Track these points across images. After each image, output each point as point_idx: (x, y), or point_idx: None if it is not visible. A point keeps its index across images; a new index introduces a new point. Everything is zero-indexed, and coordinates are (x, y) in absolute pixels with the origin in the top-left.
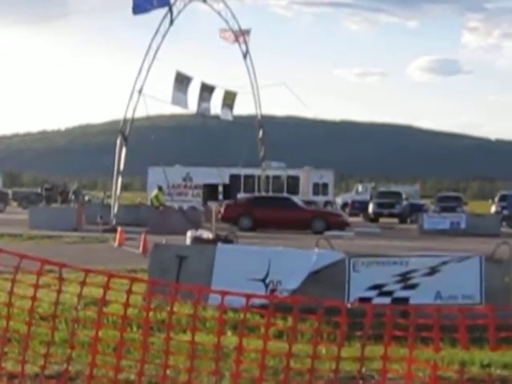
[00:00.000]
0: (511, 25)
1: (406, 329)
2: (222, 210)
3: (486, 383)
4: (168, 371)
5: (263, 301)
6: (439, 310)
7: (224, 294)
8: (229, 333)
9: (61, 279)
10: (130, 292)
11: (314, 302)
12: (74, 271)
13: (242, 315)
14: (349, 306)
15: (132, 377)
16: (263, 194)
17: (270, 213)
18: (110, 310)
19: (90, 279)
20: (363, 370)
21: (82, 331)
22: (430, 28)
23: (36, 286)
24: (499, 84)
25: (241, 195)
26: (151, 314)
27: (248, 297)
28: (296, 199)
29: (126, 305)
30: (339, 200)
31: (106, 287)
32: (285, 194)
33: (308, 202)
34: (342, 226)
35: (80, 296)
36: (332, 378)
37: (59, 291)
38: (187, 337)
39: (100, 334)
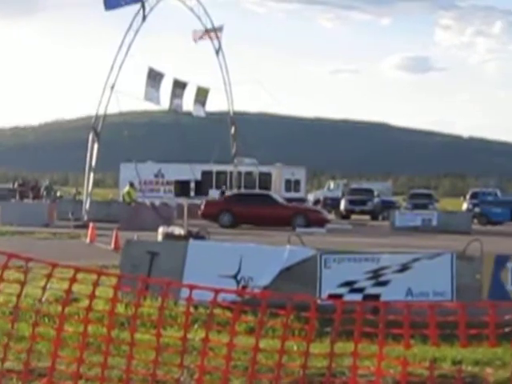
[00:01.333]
0: (484, 22)
1: (376, 325)
2: (202, 206)
3: (456, 380)
4: (134, 364)
5: (234, 296)
6: (409, 307)
7: (192, 287)
8: (198, 328)
9: (26, 272)
10: (96, 284)
11: (283, 297)
12: (44, 267)
13: (210, 310)
14: (319, 301)
15: (97, 370)
16: (242, 190)
17: (250, 210)
18: (81, 305)
19: (63, 274)
20: (333, 366)
21: (47, 325)
22: (402, 25)
23: (0, 280)
24: (472, 81)
25: (212, 191)
26: (121, 309)
27: (216, 291)
28: (276, 196)
29: (92, 297)
30: (311, 197)
31: (73, 280)
32: (266, 192)
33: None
34: (322, 222)
35: (44, 289)
36: (301, 375)
37: (23, 283)
38: (156, 332)
39: (67, 328)
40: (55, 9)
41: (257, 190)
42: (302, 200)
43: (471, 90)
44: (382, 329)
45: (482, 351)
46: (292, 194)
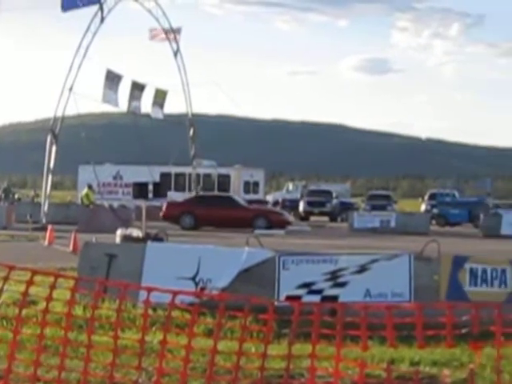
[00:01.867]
0: (441, 24)
1: (334, 327)
2: (164, 208)
3: (414, 381)
4: (92, 367)
5: (193, 298)
6: (367, 308)
7: (150, 290)
8: (156, 330)
9: None
10: (53, 287)
11: (241, 299)
12: (1, 269)
13: (168, 312)
14: (276, 303)
15: (54, 373)
16: (201, 192)
17: (211, 211)
18: (39, 307)
19: (20, 277)
20: (291, 367)
21: (4, 327)
22: (360, 27)
23: None
24: (429, 83)
25: (171, 193)
26: (80, 311)
27: (174, 293)
28: (238, 198)
29: (49, 299)
30: (270, 198)
31: (30, 283)
32: (227, 193)
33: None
34: (284, 224)
35: (1, 291)
36: (259, 376)
37: None
38: (114, 334)
39: (24, 330)
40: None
41: (218, 192)
42: (264, 202)
43: (429, 91)
44: (339, 330)
45: (439, 352)
46: (251, 196)
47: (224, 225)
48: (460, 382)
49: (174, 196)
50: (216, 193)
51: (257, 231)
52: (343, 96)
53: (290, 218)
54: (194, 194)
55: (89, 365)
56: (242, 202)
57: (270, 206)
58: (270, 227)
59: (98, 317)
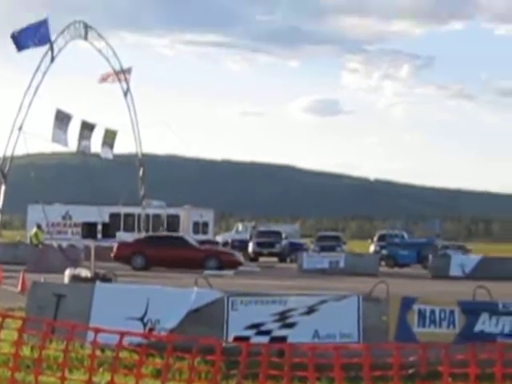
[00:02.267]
0: (391, 66)
1: (282, 368)
2: (115, 248)
3: None
4: None
5: (141, 339)
6: (315, 349)
7: (97, 330)
8: (104, 371)
9: None
10: (0, 327)
11: (189, 339)
12: None
13: (116, 353)
14: (224, 344)
15: None
16: (151, 233)
17: (162, 252)
18: None
19: None
20: None
21: None
22: (310, 68)
23: None
24: (379, 124)
25: (120, 234)
26: (27, 351)
27: (122, 334)
28: (189, 238)
29: None
30: (220, 239)
31: None
32: (179, 234)
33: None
34: (235, 265)
35: None
36: None
37: None
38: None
39: None
40: None
41: (169, 233)
42: (215, 242)
43: (379, 132)
44: (287, 371)
45: None
46: (200, 237)
47: (175, 265)
48: None
49: (123, 236)
50: (167, 233)
51: (206, 272)
52: (293, 137)
53: (241, 258)
54: (143, 234)
55: None
56: (193, 243)
57: (220, 247)
58: (220, 267)
59: (46, 357)
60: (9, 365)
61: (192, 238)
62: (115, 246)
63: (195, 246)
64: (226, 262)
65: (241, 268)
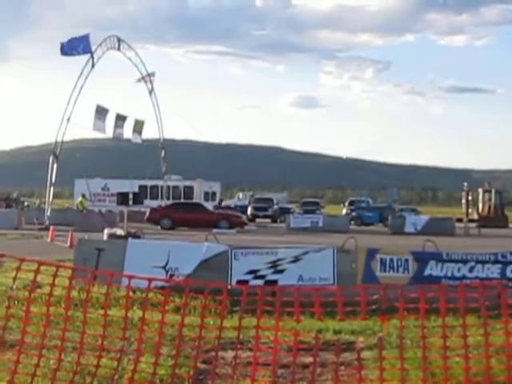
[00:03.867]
0: (358, 69)
1: (274, 305)
2: (147, 212)
3: (336, 346)
4: (87, 338)
5: (164, 283)
6: (299, 290)
7: (130, 277)
8: (136, 308)
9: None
10: (55, 275)
11: (202, 283)
12: (14, 261)
13: (145, 294)
14: (229, 286)
15: (58, 343)
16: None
17: (185, 215)
18: (42, 291)
19: (29, 267)
20: (241, 336)
21: (17, 307)
22: (294, 71)
23: None
24: (349, 115)
25: (147, 201)
26: (76, 293)
27: (150, 280)
28: (206, 204)
29: (52, 285)
30: (232, 203)
31: (37, 272)
32: (198, 201)
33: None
34: (242, 225)
35: (15, 278)
36: (216, 343)
37: None
38: (103, 311)
39: (33, 309)
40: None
41: (191, 200)
42: (234, 208)
43: (349, 121)
44: (278, 307)
45: (356, 323)
46: (211, 204)
47: (195, 225)
48: (372, 347)
49: (150, 203)
50: (189, 200)
51: (214, 230)
52: (282, 125)
53: (247, 220)
54: (165, 201)
55: (83, 336)
56: (209, 208)
57: (231, 211)
58: (231, 227)
59: (90, 298)
60: (61, 304)
61: (206, 204)
62: (148, 210)
63: (210, 211)
64: (234, 223)
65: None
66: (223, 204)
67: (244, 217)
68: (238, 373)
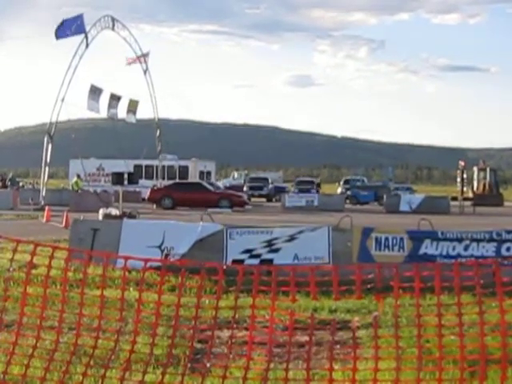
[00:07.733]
0: (352, 48)
1: (269, 284)
2: (148, 192)
3: (332, 325)
4: (84, 319)
5: (160, 264)
6: (295, 269)
7: (126, 258)
8: (132, 289)
9: None
10: (52, 257)
11: (197, 263)
12: (10, 242)
13: (141, 274)
14: (224, 266)
15: (55, 323)
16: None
17: (186, 195)
18: (38, 272)
19: (25, 248)
20: (237, 316)
21: (14, 288)
22: (289, 50)
23: None
24: (344, 94)
25: (142, 181)
26: (71, 274)
27: (146, 260)
28: (206, 184)
29: (49, 267)
30: (220, 184)
31: (33, 253)
32: (199, 180)
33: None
34: (242, 204)
35: (12, 260)
36: (212, 323)
37: None
38: (100, 292)
39: (29, 290)
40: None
41: (192, 180)
42: (241, 187)
43: (343, 100)
44: (273, 287)
45: (351, 302)
46: (221, 183)
47: (196, 205)
48: (367, 325)
49: (145, 183)
50: (189, 180)
51: (209, 210)
52: (277, 104)
53: (247, 199)
54: (160, 181)
55: (80, 316)
56: (210, 187)
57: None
58: (231, 206)
59: (86, 279)
60: (57, 285)
61: (208, 184)
62: (143, 190)
63: (211, 190)
64: (235, 202)
65: (237, 207)
66: (226, 183)
67: (245, 196)
68: (234, 352)
